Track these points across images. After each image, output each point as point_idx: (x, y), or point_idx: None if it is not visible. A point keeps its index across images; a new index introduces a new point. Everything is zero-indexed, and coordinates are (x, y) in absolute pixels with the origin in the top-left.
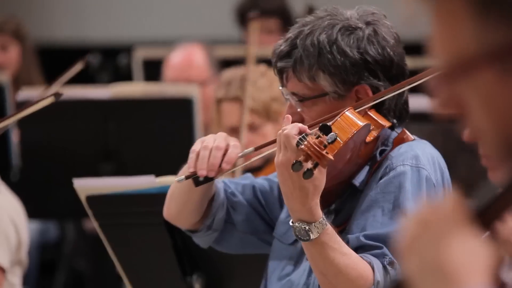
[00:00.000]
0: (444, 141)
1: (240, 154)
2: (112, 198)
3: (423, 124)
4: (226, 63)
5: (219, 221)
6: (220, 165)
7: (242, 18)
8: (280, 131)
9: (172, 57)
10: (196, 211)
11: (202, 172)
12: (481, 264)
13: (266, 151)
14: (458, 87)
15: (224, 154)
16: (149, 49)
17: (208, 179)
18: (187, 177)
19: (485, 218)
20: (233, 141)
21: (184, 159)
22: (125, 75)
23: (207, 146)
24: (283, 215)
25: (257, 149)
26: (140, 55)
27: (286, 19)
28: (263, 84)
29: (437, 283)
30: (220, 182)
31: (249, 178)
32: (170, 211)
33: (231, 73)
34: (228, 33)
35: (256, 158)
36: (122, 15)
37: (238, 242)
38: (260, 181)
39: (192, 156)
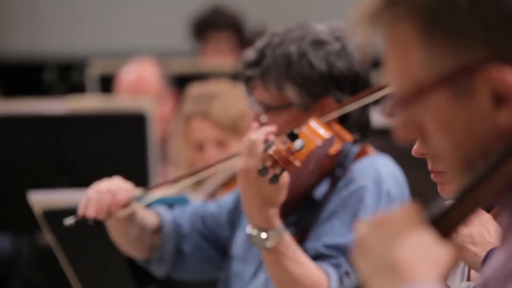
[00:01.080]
0: (393, 155)
1: (131, 197)
2: (69, 212)
3: (374, 138)
4: (181, 77)
5: (169, 253)
6: (110, 208)
7: (198, 31)
8: (246, 137)
9: (123, 76)
10: (136, 246)
11: (90, 214)
12: (433, 262)
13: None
14: (414, 111)
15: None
16: (104, 62)
17: (98, 222)
18: (76, 220)
19: (437, 228)
20: (126, 185)
21: (136, 175)
22: (80, 88)
23: (99, 189)
24: (240, 234)
25: (148, 189)
26: (95, 68)
27: (239, 34)
28: (231, 99)
29: (388, 280)
30: (167, 214)
31: (196, 206)
32: (117, 243)
33: (198, 88)
34: (182, 46)
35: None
36: (77, 29)
37: (193, 270)
38: (207, 207)
39: (83, 199)
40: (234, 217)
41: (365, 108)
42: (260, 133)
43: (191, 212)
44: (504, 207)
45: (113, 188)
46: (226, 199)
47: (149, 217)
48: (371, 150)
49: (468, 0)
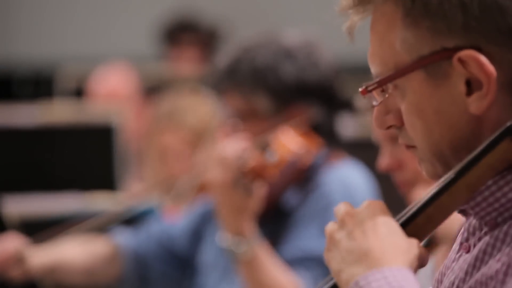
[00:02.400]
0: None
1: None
2: (47, 222)
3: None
4: (150, 83)
5: (134, 282)
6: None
7: (170, 36)
8: (220, 148)
9: (95, 82)
10: (91, 279)
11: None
12: (403, 251)
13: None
14: (391, 98)
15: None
16: (75, 68)
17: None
18: None
19: (406, 232)
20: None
21: (104, 185)
22: (50, 93)
23: None
24: (207, 247)
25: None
26: (65, 74)
27: (210, 42)
28: (203, 112)
29: (360, 268)
30: (128, 243)
31: (160, 230)
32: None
33: (170, 103)
34: (150, 50)
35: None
36: (47, 33)
37: None
38: (171, 230)
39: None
40: (197, 235)
41: (334, 115)
42: (234, 145)
43: (156, 239)
44: (471, 211)
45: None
46: (186, 220)
47: (93, 249)
48: (341, 156)
49: None
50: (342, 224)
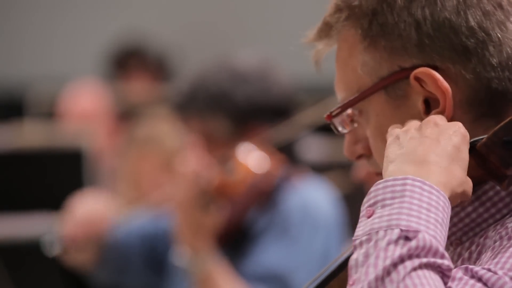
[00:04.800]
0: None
1: None
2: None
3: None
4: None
5: (113, 270)
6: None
7: (120, 62)
8: (183, 170)
9: (65, 101)
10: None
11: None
12: (455, 178)
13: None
14: (360, 126)
15: None
16: (44, 86)
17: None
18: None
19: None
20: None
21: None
22: (19, 112)
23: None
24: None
25: None
26: (34, 92)
27: (161, 68)
28: (171, 138)
29: (415, 169)
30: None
31: (146, 225)
32: None
33: (145, 131)
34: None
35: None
36: (15, 53)
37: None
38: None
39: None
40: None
41: (294, 134)
42: (195, 162)
43: (142, 235)
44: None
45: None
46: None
47: None
48: (303, 174)
49: (404, 1)
50: (421, 127)
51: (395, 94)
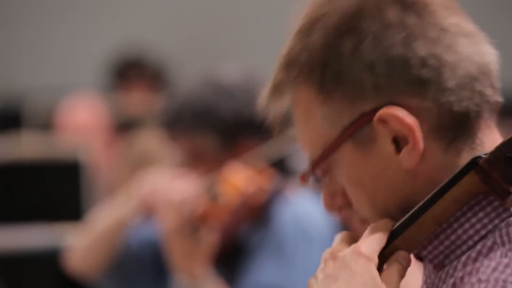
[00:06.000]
0: None
1: None
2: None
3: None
4: (119, 113)
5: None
6: None
7: (119, 73)
8: (172, 195)
9: (62, 114)
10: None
11: None
12: None
13: None
14: (333, 179)
15: None
16: (41, 98)
17: None
18: None
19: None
20: None
21: (71, 219)
22: (17, 124)
23: None
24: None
25: None
26: (32, 104)
27: (159, 79)
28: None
29: None
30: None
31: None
32: None
33: (141, 150)
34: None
35: None
36: (13, 64)
37: None
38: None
39: None
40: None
41: (284, 147)
42: (182, 189)
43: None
44: (426, 257)
45: None
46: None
47: None
48: (295, 188)
49: (351, 47)
50: (324, 265)
51: (362, 141)
